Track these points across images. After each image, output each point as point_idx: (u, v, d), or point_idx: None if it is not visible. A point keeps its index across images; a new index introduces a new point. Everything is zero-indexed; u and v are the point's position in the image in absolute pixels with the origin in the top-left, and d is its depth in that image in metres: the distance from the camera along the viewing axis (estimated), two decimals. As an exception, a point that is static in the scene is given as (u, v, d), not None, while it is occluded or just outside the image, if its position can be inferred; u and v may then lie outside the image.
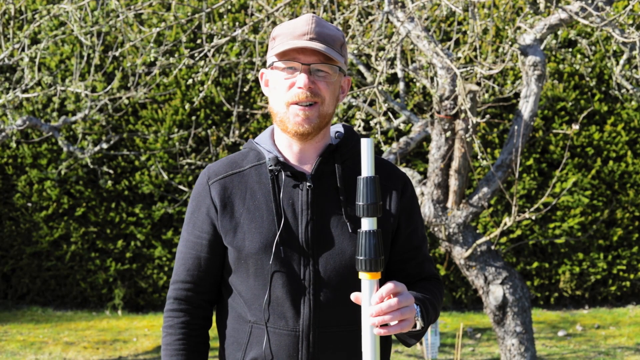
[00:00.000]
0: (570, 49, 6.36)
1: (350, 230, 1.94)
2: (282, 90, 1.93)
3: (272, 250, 1.91)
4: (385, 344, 2.02)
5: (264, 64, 5.23)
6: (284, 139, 1.99)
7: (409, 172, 4.69)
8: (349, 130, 2.05)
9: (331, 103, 1.95)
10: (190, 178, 7.71)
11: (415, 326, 1.87)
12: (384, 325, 1.78)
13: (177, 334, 2.01)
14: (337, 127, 2.06)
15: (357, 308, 1.92)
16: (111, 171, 7.31)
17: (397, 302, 1.76)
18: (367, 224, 1.74)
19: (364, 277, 1.74)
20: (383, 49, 5.01)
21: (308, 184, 1.95)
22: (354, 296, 1.81)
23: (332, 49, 1.93)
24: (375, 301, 1.75)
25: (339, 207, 1.96)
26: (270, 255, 1.91)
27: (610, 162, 7.95)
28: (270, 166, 1.95)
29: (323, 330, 1.93)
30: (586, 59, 6.94)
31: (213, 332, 2.10)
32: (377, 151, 7.63)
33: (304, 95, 1.90)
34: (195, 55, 5.16)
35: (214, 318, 2.09)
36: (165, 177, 6.70)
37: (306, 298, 1.92)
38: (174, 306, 2.03)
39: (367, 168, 1.74)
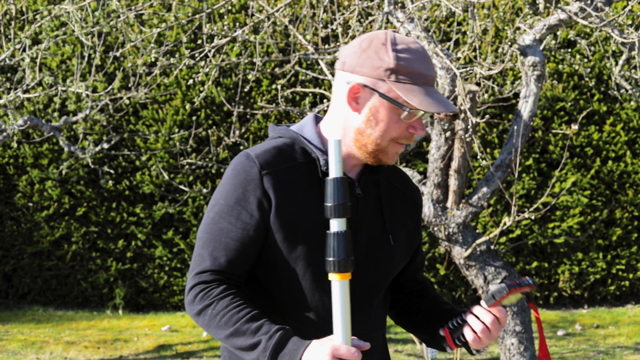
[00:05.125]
0: (569, 50, 6.37)
1: (392, 243, 1.95)
2: (397, 129, 1.86)
3: (319, 258, 1.84)
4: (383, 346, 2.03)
5: (300, 62, 5.20)
6: (347, 150, 1.90)
7: (409, 172, 4.70)
8: None
9: None
10: (191, 178, 7.72)
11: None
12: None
13: (232, 292, 1.84)
14: None
15: (381, 314, 2.01)
16: (112, 171, 7.32)
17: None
18: (336, 225, 1.73)
19: (334, 278, 1.73)
20: (383, 49, 5.01)
21: (358, 192, 1.91)
22: None
23: None
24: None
25: (380, 218, 1.95)
26: (317, 259, 1.83)
27: (610, 162, 7.97)
28: (324, 167, 1.87)
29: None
30: (585, 60, 6.96)
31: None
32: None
33: (412, 140, 1.90)
34: (196, 55, 5.17)
35: None
36: (166, 177, 6.71)
37: None
38: (210, 277, 1.85)
39: (334, 169, 1.73)
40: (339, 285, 1.73)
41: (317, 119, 1.98)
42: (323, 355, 1.71)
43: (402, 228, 2.00)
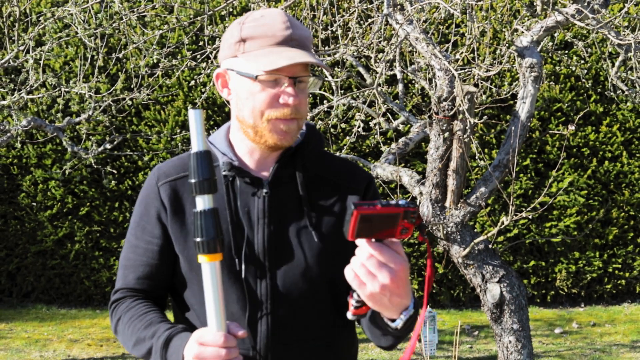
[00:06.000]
0: (566, 51, 6.42)
1: (316, 240, 1.77)
2: (261, 102, 1.71)
3: (226, 263, 1.73)
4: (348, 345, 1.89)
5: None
6: (247, 144, 1.79)
7: (408, 172, 4.74)
8: (311, 129, 1.85)
9: (306, 113, 1.77)
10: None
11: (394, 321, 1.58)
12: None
13: (137, 303, 1.80)
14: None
15: (319, 322, 1.80)
16: (115, 171, 7.36)
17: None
18: (202, 202, 1.58)
19: (203, 260, 1.59)
20: (382, 50, 5.07)
21: (265, 190, 1.77)
22: (350, 272, 1.46)
23: (312, 52, 1.74)
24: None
25: (301, 215, 1.78)
26: (223, 267, 1.71)
27: (606, 162, 8.02)
28: (224, 171, 1.78)
29: (283, 348, 1.76)
30: (582, 61, 7.01)
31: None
32: (377, 151, 7.68)
33: (291, 112, 1.71)
34: (198, 57, 5.22)
35: None
36: (168, 177, 6.74)
37: (263, 314, 1.75)
38: (121, 295, 1.83)
39: (197, 142, 1.58)
40: (208, 267, 1.59)
41: None
42: (192, 343, 1.61)
43: (333, 223, 1.80)
